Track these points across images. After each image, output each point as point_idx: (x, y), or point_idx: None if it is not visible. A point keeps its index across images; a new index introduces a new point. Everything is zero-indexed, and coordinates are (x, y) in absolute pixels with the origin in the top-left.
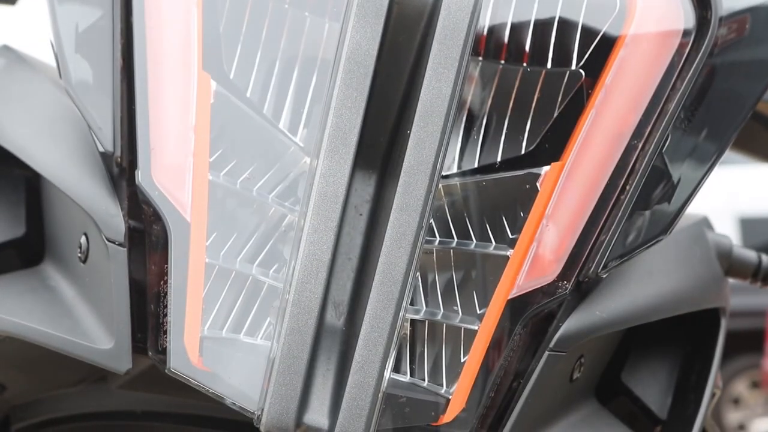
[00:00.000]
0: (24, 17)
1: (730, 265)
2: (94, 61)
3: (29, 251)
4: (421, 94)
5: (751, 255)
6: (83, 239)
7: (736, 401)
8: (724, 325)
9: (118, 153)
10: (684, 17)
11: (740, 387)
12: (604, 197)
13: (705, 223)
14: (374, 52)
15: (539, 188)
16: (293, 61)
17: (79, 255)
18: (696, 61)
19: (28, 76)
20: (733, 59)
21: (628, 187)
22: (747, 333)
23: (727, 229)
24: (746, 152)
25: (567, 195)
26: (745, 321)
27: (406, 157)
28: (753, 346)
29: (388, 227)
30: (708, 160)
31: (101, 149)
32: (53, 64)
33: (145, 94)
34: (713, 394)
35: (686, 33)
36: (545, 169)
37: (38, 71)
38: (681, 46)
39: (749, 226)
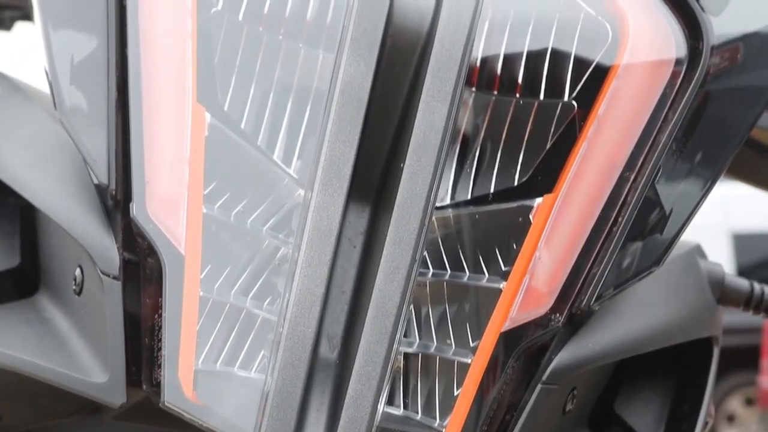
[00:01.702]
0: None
1: (722, 293)
2: (89, 92)
3: (24, 282)
4: (414, 128)
5: (743, 283)
6: (78, 271)
7: (731, 418)
8: (716, 354)
9: (112, 186)
10: (676, 46)
11: (735, 404)
12: (596, 229)
13: (698, 251)
14: (368, 86)
15: (532, 220)
16: (287, 92)
17: (74, 287)
18: (688, 92)
19: (23, 105)
20: (726, 86)
21: (620, 219)
22: (741, 349)
23: (720, 245)
24: (739, 178)
25: (560, 227)
26: (739, 338)
27: (399, 190)
28: (747, 363)
29: (381, 261)
30: (701, 189)
31: (96, 181)
32: (47, 90)
33: (140, 126)
34: (706, 423)
35: (678, 62)
36: (538, 201)
37: (33, 100)
38: (673, 76)
39: (743, 242)
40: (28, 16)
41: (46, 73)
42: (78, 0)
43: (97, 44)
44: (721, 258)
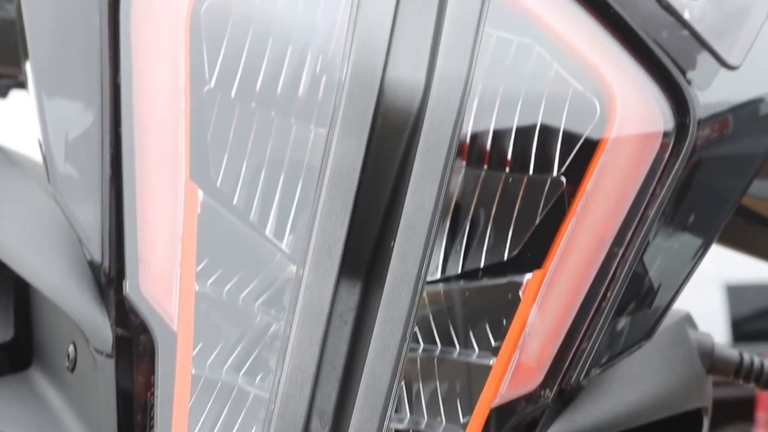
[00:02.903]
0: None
1: (712, 363)
2: (83, 170)
3: (17, 355)
4: (404, 207)
5: (732, 353)
6: (71, 348)
7: None
8: (706, 424)
9: (106, 263)
10: (663, 121)
11: None
12: (585, 304)
13: (687, 321)
14: (358, 165)
15: (521, 296)
16: (279, 167)
17: (67, 364)
18: (676, 167)
19: (17, 179)
20: (717, 155)
21: (609, 294)
22: (736, 401)
23: (713, 297)
24: (727, 245)
25: (549, 303)
26: (734, 389)
27: (389, 269)
28: (742, 415)
29: (372, 339)
30: (691, 259)
31: (89, 258)
32: (41, 160)
33: (133, 204)
34: None
35: (666, 135)
36: (527, 276)
37: (27, 174)
38: (661, 150)
39: (736, 293)
40: (22, 85)
41: (40, 145)
42: (72, 71)
43: (91, 121)
44: (714, 310)
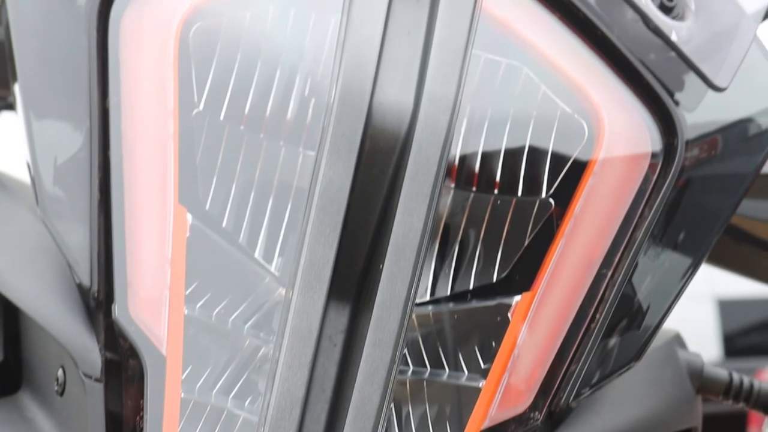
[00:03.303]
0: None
1: (701, 383)
2: (72, 193)
3: (6, 379)
4: (393, 229)
5: (722, 373)
6: (60, 372)
7: None
8: None
9: (95, 287)
10: (651, 141)
11: None
12: (574, 327)
13: (677, 341)
14: (347, 188)
15: (510, 318)
16: (268, 189)
17: (56, 388)
18: (664, 188)
19: (6, 202)
20: (706, 175)
21: (598, 316)
22: (727, 416)
23: (705, 312)
24: (716, 264)
25: (538, 325)
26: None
27: (378, 291)
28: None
29: (361, 362)
30: (680, 280)
31: (78, 281)
32: (30, 182)
33: (122, 227)
34: None
35: (654, 156)
36: (516, 298)
37: (16, 197)
38: (649, 171)
39: (728, 308)
40: (11, 106)
41: (28, 168)
42: (61, 94)
43: (80, 144)
44: (707, 325)
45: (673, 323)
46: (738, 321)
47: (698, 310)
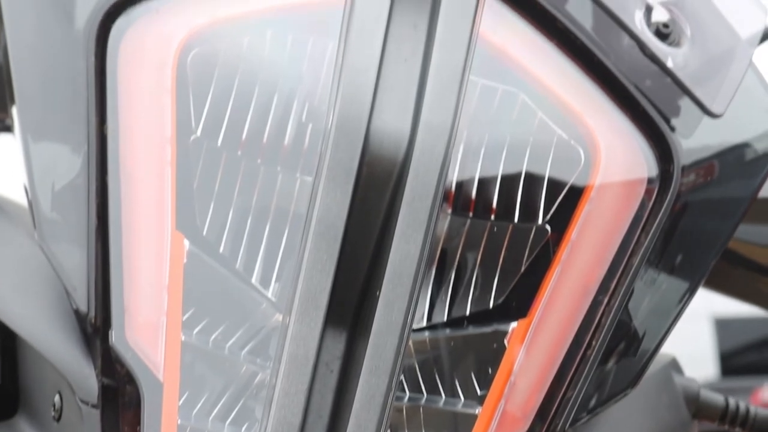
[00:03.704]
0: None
1: (697, 408)
2: (70, 219)
3: (3, 403)
4: (390, 256)
5: (718, 398)
6: (57, 398)
7: None
8: None
9: (92, 313)
10: (647, 167)
11: None
12: (570, 353)
13: (673, 366)
14: (344, 215)
15: (507, 345)
16: (266, 215)
17: (53, 413)
18: (660, 214)
19: (3, 225)
20: (702, 199)
21: (594, 342)
22: None
23: (702, 331)
24: (711, 287)
25: (534, 351)
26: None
27: (375, 318)
28: None
29: (358, 389)
30: (677, 304)
31: (75, 307)
32: (27, 205)
33: (120, 254)
34: None
35: (650, 182)
36: (513, 325)
37: (14, 221)
38: (645, 197)
39: (724, 327)
40: (9, 128)
41: (26, 191)
42: (59, 119)
43: (78, 169)
44: (703, 343)
45: (669, 341)
46: (735, 340)
47: (695, 330)
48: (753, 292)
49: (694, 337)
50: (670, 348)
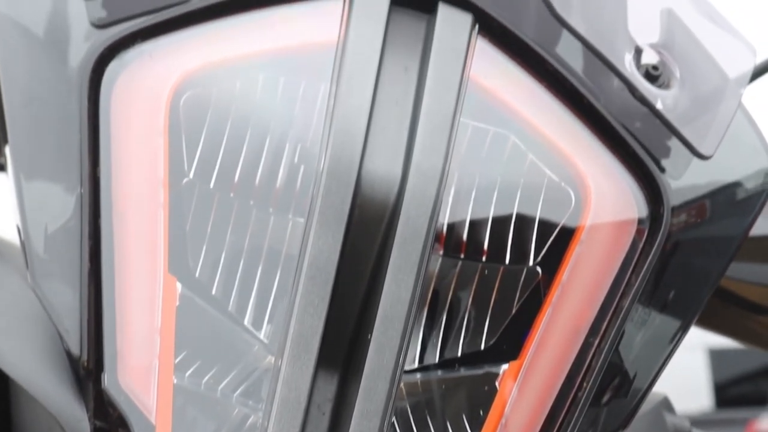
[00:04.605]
0: None
1: None
2: (63, 261)
3: None
4: (381, 300)
5: None
6: None
7: None
8: None
9: (84, 356)
10: (637, 209)
11: None
12: (561, 395)
13: (664, 405)
14: (335, 259)
15: (498, 387)
16: (258, 256)
17: None
18: (650, 256)
19: None
20: (694, 238)
21: (585, 384)
22: None
23: (696, 361)
24: (707, 328)
25: (525, 393)
26: None
27: (366, 362)
28: None
29: None
30: (669, 343)
31: (67, 349)
32: (19, 245)
33: (112, 297)
34: None
35: (641, 222)
36: (504, 367)
37: (7, 262)
38: (635, 239)
39: (718, 357)
40: (3, 167)
41: (19, 232)
42: (52, 160)
43: (71, 212)
44: (697, 373)
45: (657, 391)
46: (729, 371)
47: (689, 360)
48: (745, 330)
49: (688, 369)
50: (664, 379)
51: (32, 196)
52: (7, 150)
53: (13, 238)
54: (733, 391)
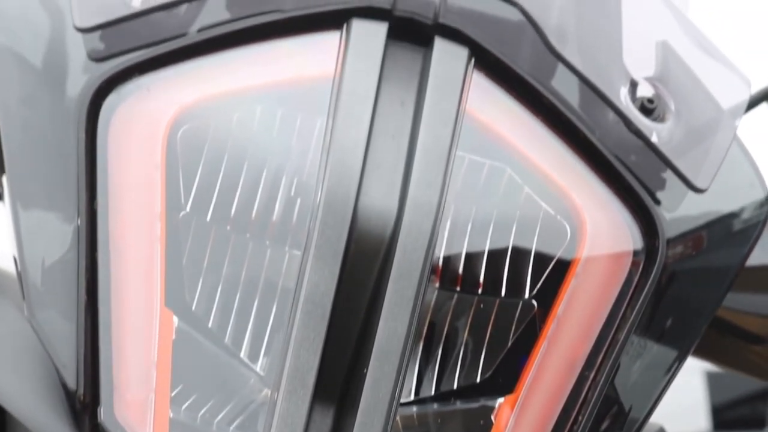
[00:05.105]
0: None
1: None
2: (59, 294)
3: None
4: (377, 334)
5: None
6: None
7: None
8: None
9: (81, 390)
10: (633, 240)
11: None
12: (557, 428)
13: None
14: (331, 293)
15: (494, 421)
16: (254, 289)
17: None
18: (646, 288)
19: None
20: (690, 269)
21: (581, 418)
22: None
23: (694, 384)
24: (704, 358)
25: (521, 426)
26: None
27: (362, 396)
28: None
29: None
30: (665, 374)
31: (64, 383)
32: (15, 276)
33: (109, 330)
34: None
35: (636, 254)
36: (500, 401)
37: (3, 293)
38: (631, 272)
39: (716, 380)
40: (0, 197)
41: (15, 263)
42: (49, 192)
43: (68, 245)
44: (695, 397)
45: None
46: (727, 394)
47: (687, 383)
48: (743, 360)
49: (685, 392)
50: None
51: (29, 227)
52: (5, 180)
53: (11, 268)
54: (731, 414)
